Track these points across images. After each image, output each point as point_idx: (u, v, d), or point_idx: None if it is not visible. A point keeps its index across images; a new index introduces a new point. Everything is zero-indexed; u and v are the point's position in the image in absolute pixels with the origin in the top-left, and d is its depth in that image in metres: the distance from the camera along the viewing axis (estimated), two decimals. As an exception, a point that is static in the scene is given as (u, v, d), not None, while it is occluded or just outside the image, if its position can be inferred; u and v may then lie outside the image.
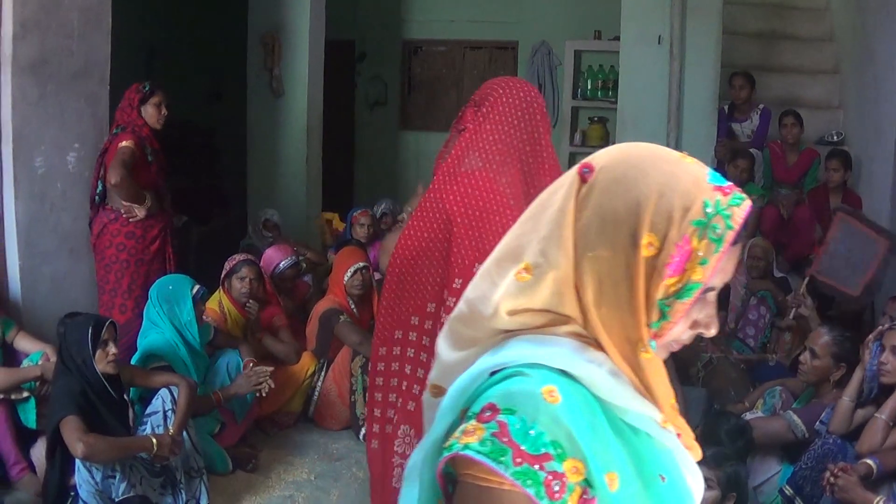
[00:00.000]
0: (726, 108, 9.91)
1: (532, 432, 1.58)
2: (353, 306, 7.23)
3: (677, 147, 9.36)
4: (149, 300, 6.26)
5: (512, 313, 1.72)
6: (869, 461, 4.81)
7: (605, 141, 12.93)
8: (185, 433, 5.56)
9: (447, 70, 14.50)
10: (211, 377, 6.39)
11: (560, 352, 1.68)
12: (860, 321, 7.53)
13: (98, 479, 5.07)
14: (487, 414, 1.62)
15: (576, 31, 13.34)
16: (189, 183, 11.34)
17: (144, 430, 5.51)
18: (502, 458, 1.56)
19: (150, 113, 6.90)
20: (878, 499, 4.63)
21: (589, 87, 13.28)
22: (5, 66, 6.33)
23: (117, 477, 5.11)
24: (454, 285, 3.62)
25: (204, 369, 6.34)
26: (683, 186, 1.68)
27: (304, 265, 8.69)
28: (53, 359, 5.63)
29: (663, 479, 1.72)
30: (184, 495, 5.49)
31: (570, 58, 13.34)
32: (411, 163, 14.57)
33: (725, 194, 1.68)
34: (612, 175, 1.71)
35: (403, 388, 3.95)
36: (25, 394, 5.73)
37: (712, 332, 1.78)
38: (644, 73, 9.68)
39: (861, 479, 4.70)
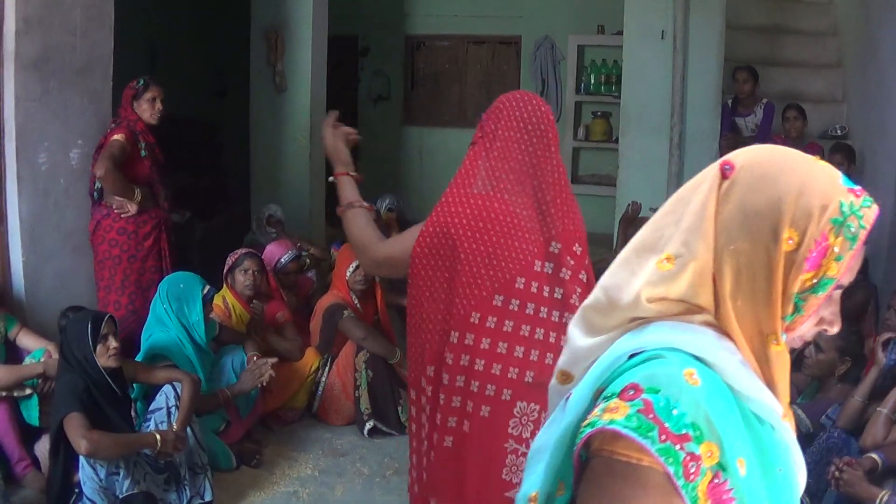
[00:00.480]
0: (730, 102, 9.89)
1: (675, 412, 1.61)
2: (356, 301, 7.22)
3: (681, 142, 9.44)
4: (156, 296, 6.24)
5: (651, 300, 1.79)
6: (874, 455, 4.81)
7: (609, 136, 12.95)
8: (188, 429, 5.55)
9: (450, 65, 14.52)
10: (216, 375, 6.39)
11: (698, 338, 1.74)
12: (864, 315, 7.51)
13: (102, 475, 5.07)
14: (631, 393, 1.65)
15: (579, 25, 13.38)
16: (192, 179, 11.34)
17: (148, 426, 5.51)
18: (649, 434, 1.59)
19: (144, 108, 6.89)
20: (883, 493, 4.63)
21: (592, 81, 13.32)
22: (8, 62, 6.33)
23: (121, 473, 5.11)
24: (471, 320, 3.40)
25: (209, 367, 6.33)
26: (821, 186, 1.74)
27: (308, 261, 8.69)
28: (56, 356, 5.63)
29: (780, 470, 1.77)
30: (188, 492, 5.49)
31: (573, 52, 13.38)
32: (414, 158, 14.59)
33: (857, 196, 1.76)
34: (754, 172, 1.78)
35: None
36: (28, 391, 5.74)
37: (835, 329, 1.85)
38: (647, 67, 9.68)
39: (866, 474, 4.70)
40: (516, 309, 3.39)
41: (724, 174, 1.79)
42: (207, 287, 6.25)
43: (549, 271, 3.45)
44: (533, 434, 3.30)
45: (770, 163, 1.79)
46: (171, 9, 13.07)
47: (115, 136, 6.67)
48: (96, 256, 6.86)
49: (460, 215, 3.43)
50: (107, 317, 5.40)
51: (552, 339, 3.42)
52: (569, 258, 3.47)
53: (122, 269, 6.81)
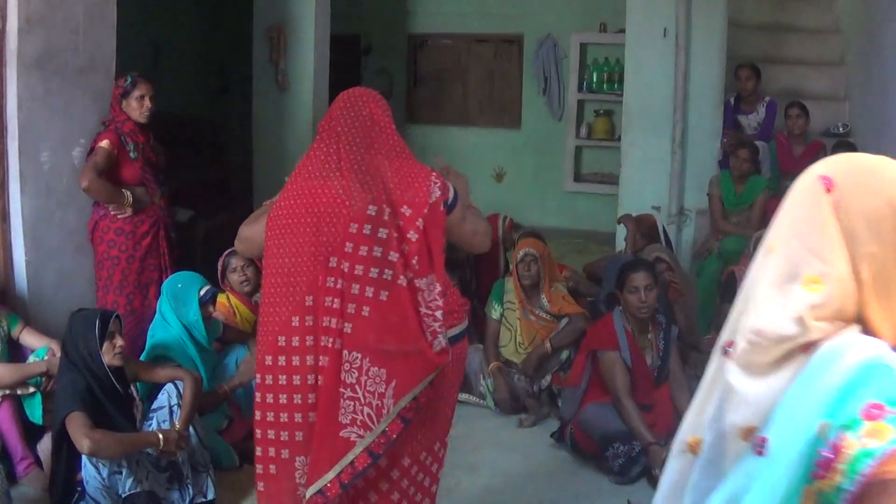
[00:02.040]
0: (732, 100, 9.91)
1: None
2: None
3: (683, 140, 9.45)
4: (161, 294, 6.26)
5: (819, 320, 1.82)
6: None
7: (611, 134, 12.96)
8: (191, 428, 5.56)
9: (453, 63, 14.51)
10: (220, 373, 6.39)
11: (882, 346, 1.79)
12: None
13: (105, 475, 5.08)
14: (876, 412, 1.67)
15: (581, 23, 13.39)
16: (195, 177, 11.34)
17: (150, 425, 5.51)
18: None
19: (133, 106, 6.84)
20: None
21: (594, 79, 13.32)
22: (11, 61, 6.33)
23: (124, 473, 5.12)
24: (318, 283, 3.98)
25: (213, 366, 6.34)
26: None
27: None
28: (59, 354, 5.64)
29: None
30: (191, 490, 5.49)
31: (575, 51, 13.39)
32: (417, 156, 14.52)
33: None
34: (857, 180, 1.88)
35: (295, 413, 4.10)
36: (31, 389, 5.76)
37: None
38: (650, 65, 9.69)
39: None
40: (346, 269, 3.93)
41: (827, 188, 1.86)
42: (206, 287, 6.22)
43: (367, 232, 3.92)
44: (358, 380, 3.90)
45: (866, 169, 1.90)
46: (174, 7, 13.09)
47: (101, 144, 6.68)
48: (95, 256, 6.87)
49: (295, 198, 4.06)
50: (114, 315, 5.42)
51: (368, 294, 3.91)
52: (391, 219, 3.94)
53: (121, 270, 6.82)
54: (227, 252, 7.07)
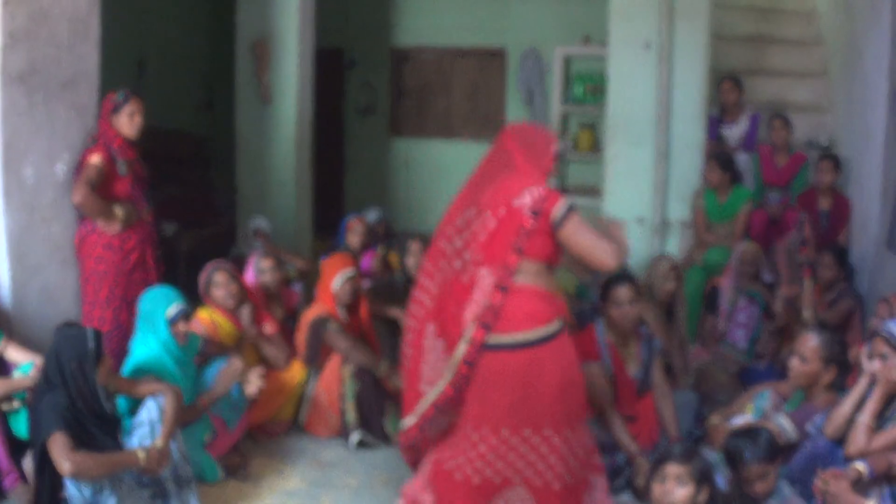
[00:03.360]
0: (715, 112, 9.93)
1: None
2: (342, 313, 7.22)
3: (666, 151, 9.47)
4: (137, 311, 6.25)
5: None
6: (859, 466, 4.82)
7: (595, 146, 12.99)
8: (172, 443, 5.55)
9: (436, 77, 14.54)
10: (202, 388, 6.36)
11: None
12: (850, 324, 7.55)
13: (87, 494, 5.08)
14: None
15: (564, 36, 13.42)
16: (180, 192, 11.34)
17: (131, 441, 5.49)
18: None
19: (124, 122, 6.89)
20: (868, 503, 4.64)
21: (578, 92, 13.33)
22: (-6, 76, 6.34)
23: (105, 492, 5.11)
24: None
25: (193, 380, 6.31)
26: None
27: (294, 274, 8.70)
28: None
29: None
30: (175, 504, 5.50)
31: (558, 63, 13.42)
32: (401, 170, 14.61)
33: None
34: None
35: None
36: (16, 404, 5.73)
37: None
38: (633, 77, 9.69)
39: (852, 485, 4.71)
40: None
41: None
42: (175, 308, 6.11)
43: (461, 225, 5.10)
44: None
45: None
46: (158, 22, 13.10)
47: (92, 160, 6.70)
48: (82, 272, 6.87)
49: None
50: (101, 335, 5.40)
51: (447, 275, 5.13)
52: (483, 215, 5.05)
53: (108, 285, 6.82)
54: (210, 267, 7.06)
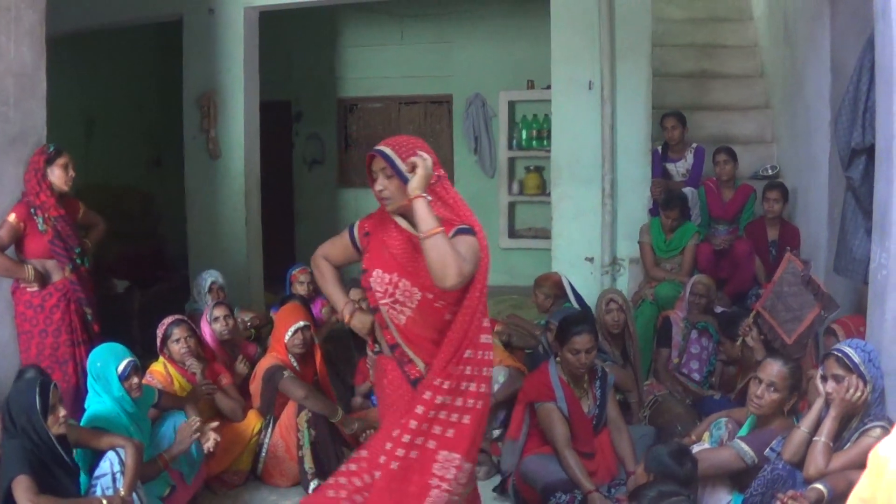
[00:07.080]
0: (660, 148, 10.01)
1: None
2: (294, 363, 7.21)
3: (613, 190, 9.55)
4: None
5: None
6: (819, 486, 4.84)
7: (542, 189, 13.07)
8: (134, 494, 5.51)
9: (383, 126, 14.62)
10: (158, 441, 6.32)
11: None
12: (805, 349, 7.59)
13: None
14: None
15: (509, 81, 13.54)
16: (131, 248, 11.31)
17: (94, 492, 5.46)
18: None
19: (58, 174, 6.92)
20: (828, 523, 4.67)
21: (524, 136, 13.46)
22: (-61, 133, 6.35)
23: (67, 539, 5.08)
24: None
25: (148, 435, 6.27)
26: None
27: (251, 330, 8.69)
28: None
29: None
30: (135, 557, 5.46)
31: (504, 108, 13.53)
32: (351, 219, 14.49)
33: None
34: None
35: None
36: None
37: None
38: (576, 118, 9.78)
39: (812, 506, 4.74)
40: None
41: None
42: (124, 362, 6.07)
43: None
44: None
45: None
46: (106, 79, 13.12)
47: (8, 218, 6.77)
48: (16, 329, 6.90)
49: None
50: (52, 385, 5.36)
51: None
52: None
53: (35, 344, 6.86)
54: (169, 321, 7.04)
